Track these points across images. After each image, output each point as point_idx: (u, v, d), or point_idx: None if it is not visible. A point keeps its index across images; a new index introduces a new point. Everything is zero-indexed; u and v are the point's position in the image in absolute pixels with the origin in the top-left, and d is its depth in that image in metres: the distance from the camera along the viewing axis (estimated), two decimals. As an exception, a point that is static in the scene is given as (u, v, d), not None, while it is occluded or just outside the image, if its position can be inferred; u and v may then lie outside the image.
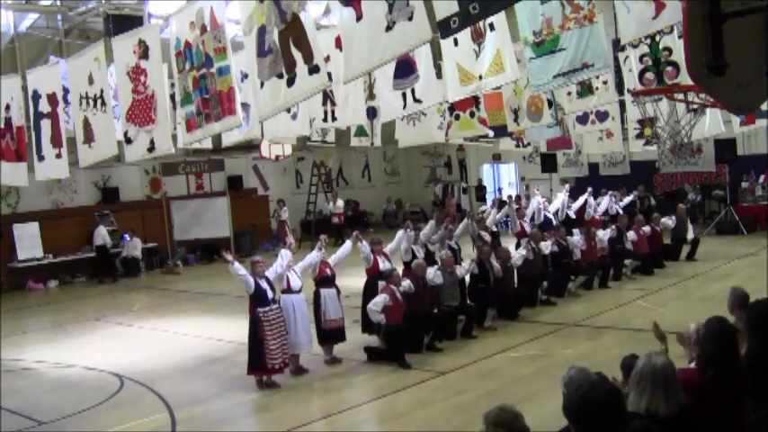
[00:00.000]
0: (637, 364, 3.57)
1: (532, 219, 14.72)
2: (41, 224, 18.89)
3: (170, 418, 8.05)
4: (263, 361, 8.66)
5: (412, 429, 7.32)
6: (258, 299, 8.77)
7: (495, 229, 13.73)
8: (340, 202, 23.41)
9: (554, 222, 14.35)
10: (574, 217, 15.14)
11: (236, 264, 8.73)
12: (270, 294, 8.83)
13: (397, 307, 9.46)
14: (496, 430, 3.24)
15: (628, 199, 16.75)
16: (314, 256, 9.56)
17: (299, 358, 9.36)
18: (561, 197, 15.32)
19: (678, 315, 10.02)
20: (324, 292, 9.59)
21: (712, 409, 3.71)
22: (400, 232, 10.94)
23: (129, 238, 20.07)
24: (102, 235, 19.12)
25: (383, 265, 10.15)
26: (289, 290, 9.21)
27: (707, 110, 11.82)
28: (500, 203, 15.07)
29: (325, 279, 9.64)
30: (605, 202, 15.84)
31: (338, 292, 9.76)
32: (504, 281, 11.41)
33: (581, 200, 15.63)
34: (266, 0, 7.35)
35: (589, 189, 15.80)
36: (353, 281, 11.68)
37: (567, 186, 16.38)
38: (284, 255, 9.33)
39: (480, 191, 26.18)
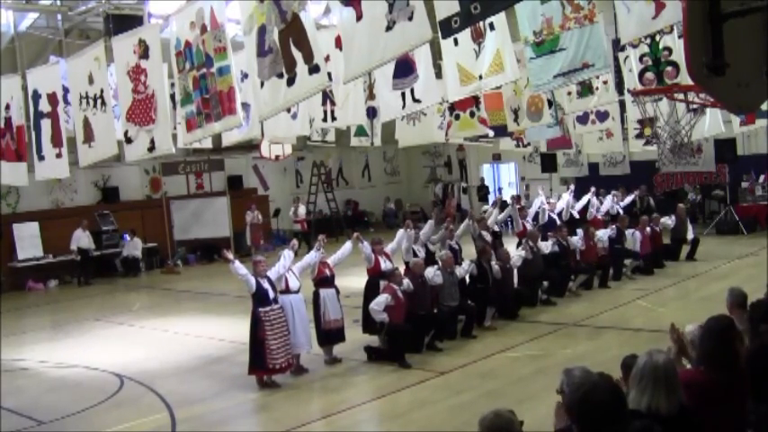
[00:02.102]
0: (638, 362, 3.57)
1: (535, 218, 14.71)
2: (41, 224, 18.90)
3: (170, 418, 8.05)
4: (264, 361, 8.66)
5: (412, 429, 7.32)
6: (259, 298, 8.77)
7: (497, 229, 13.73)
8: (302, 209, 23.00)
9: (558, 222, 14.37)
10: (578, 217, 15.15)
11: (237, 263, 8.73)
12: (271, 294, 8.84)
13: (398, 306, 9.46)
14: None
15: (629, 198, 16.78)
16: (312, 256, 9.56)
17: (299, 358, 9.36)
18: (566, 197, 15.33)
19: (678, 315, 9.98)
20: (323, 292, 9.58)
21: (713, 408, 3.72)
22: (401, 231, 10.94)
23: (129, 239, 20.06)
24: (76, 238, 18.74)
25: (384, 264, 10.15)
26: (287, 290, 9.20)
27: (707, 110, 11.81)
28: (502, 204, 15.07)
29: (324, 279, 9.64)
30: (608, 202, 15.84)
31: (337, 292, 9.76)
32: (504, 281, 11.41)
33: (584, 200, 15.65)
34: (266, 0, 7.35)
35: (592, 189, 15.80)
36: (354, 281, 11.68)
37: (572, 187, 16.39)
38: (287, 255, 9.33)
39: (482, 190, 26.19)
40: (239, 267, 8.68)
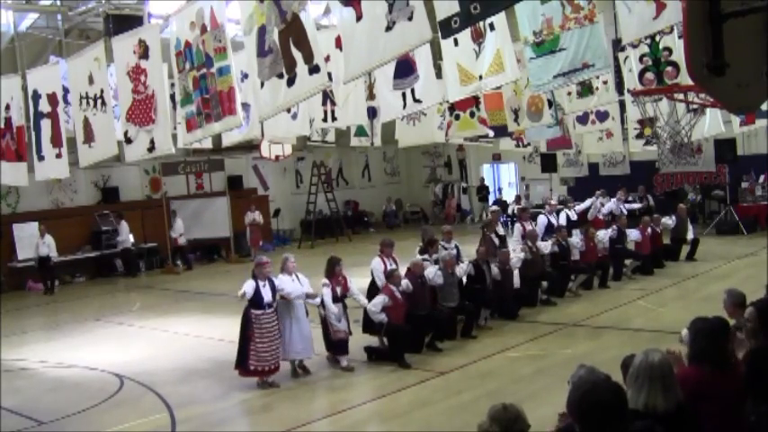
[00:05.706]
0: (634, 362, 3.60)
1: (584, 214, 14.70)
2: (41, 224, 18.87)
3: (170, 418, 8.05)
4: (246, 361, 8.65)
5: (412, 429, 7.32)
6: (254, 301, 8.72)
7: (502, 231, 13.66)
8: (179, 223, 20.28)
9: (555, 225, 14.33)
10: (575, 218, 15.11)
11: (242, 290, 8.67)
12: (267, 299, 8.74)
13: (397, 306, 9.46)
14: (491, 425, 3.26)
15: (636, 205, 16.79)
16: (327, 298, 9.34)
17: (302, 360, 9.32)
18: (610, 203, 15.38)
19: (678, 315, 10.01)
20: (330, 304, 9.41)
21: (709, 404, 3.74)
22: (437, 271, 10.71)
23: (116, 224, 19.80)
24: (36, 248, 18.10)
25: (390, 267, 10.09)
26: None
27: (707, 110, 11.81)
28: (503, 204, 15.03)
29: (334, 297, 9.42)
30: (610, 204, 15.80)
31: (345, 307, 9.56)
32: (503, 282, 11.40)
33: (587, 202, 15.61)
34: (266, 0, 7.35)
35: (597, 192, 15.78)
36: (354, 281, 11.64)
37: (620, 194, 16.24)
38: (303, 281, 9.21)
39: (482, 191, 26.16)
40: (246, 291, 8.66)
